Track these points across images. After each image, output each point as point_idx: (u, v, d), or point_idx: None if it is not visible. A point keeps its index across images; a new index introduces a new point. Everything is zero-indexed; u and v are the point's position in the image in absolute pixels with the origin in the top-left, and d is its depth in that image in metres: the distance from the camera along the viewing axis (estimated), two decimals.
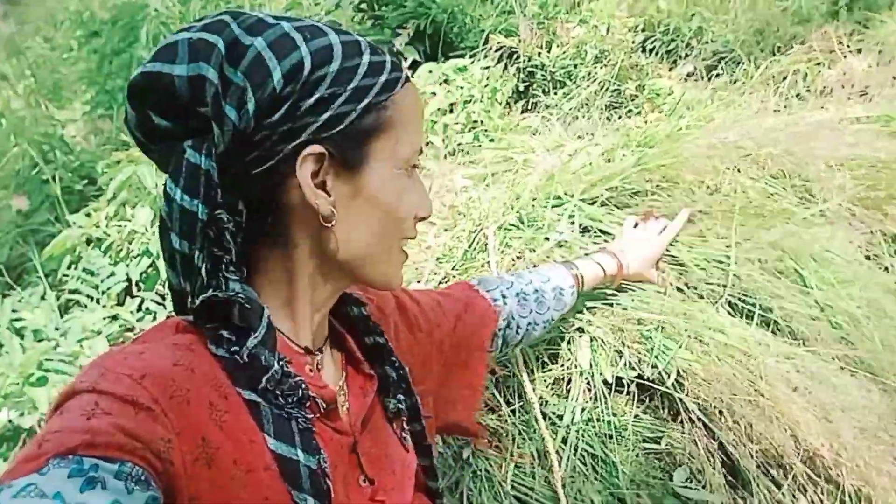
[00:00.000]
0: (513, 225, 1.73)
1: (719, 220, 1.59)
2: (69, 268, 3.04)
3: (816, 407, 1.33)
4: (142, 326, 2.98)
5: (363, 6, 4.37)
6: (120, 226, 3.28)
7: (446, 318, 1.08)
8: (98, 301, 3.04)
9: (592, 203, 1.67)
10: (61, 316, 2.84)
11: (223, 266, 0.67)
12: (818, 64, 3.07)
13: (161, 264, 3.07)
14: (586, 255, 1.46)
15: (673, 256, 1.55)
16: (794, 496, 1.30)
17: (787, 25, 3.46)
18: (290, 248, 0.73)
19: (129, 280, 3.16)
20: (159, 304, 3.09)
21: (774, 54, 3.32)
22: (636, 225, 1.57)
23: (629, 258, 1.44)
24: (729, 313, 1.46)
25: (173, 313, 0.73)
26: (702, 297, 1.52)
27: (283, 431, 0.69)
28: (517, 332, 1.24)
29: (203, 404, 0.65)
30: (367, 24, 4.26)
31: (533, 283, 1.26)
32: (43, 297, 2.95)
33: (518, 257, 1.68)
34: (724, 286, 1.45)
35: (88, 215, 3.18)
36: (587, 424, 1.47)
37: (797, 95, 2.85)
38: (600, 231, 1.68)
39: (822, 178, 1.67)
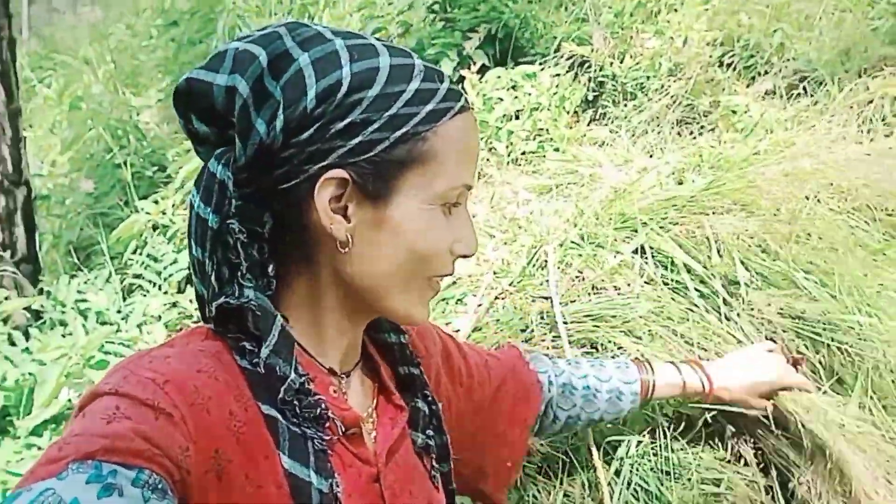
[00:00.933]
0: (574, 243, 1.68)
1: (793, 251, 1.50)
2: (134, 252, 3.12)
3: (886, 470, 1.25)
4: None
5: (436, 7, 4.35)
6: (185, 214, 3.35)
7: (490, 381, 1.05)
8: (160, 287, 3.11)
9: (661, 227, 1.60)
10: (124, 299, 2.91)
11: (239, 274, 0.67)
12: None
13: None
14: (673, 362, 1.30)
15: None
16: None
17: (876, 46, 3.29)
18: (313, 267, 0.73)
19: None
20: None
21: (860, 76, 3.16)
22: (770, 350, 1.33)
23: (727, 380, 1.25)
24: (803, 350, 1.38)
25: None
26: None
27: (299, 450, 0.68)
28: (554, 423, 1.19)
29: (223, 414, 0.64)
30: (437, 26, 4.25)
31: (587, 379, 1.19)
32: (108, 280, 3.02)
33: (577, 277, 1.63)
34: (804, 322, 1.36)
35: (156, 202, 3.25)
36: (643, 458, 1.41)
37: (884, 121, 2.71)
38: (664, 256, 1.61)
39: None
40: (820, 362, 1.33)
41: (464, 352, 1.03)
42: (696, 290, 1.49)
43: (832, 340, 1.33)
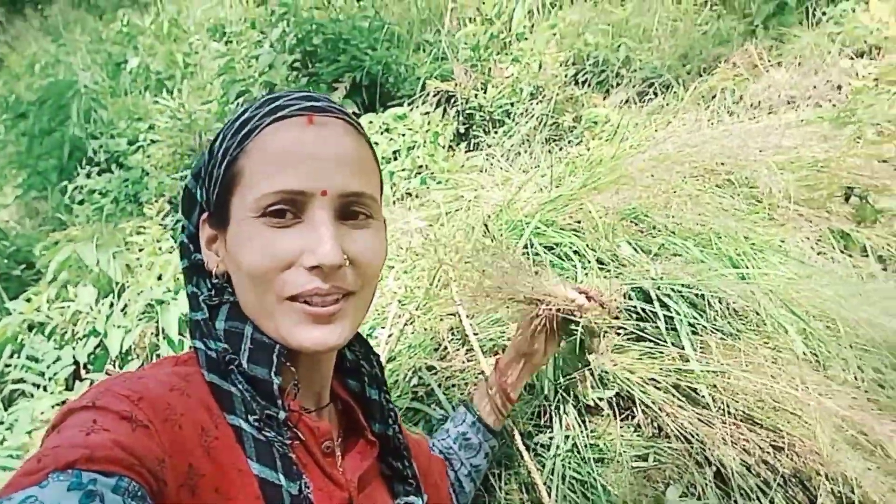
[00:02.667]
0: (469, 259, 1.71)
1: (668, 227, 1.60)
2: (11, 357, 2.90)
3: (786, 402, 1.33)
4: None
5: (297, 65, 4.39)
6: (63, 307, 3.15)
7: (421, 453, 1.08)
8: (45, 388, 2.90)
9: (545, 223, 1.66)
10: (6, 409, 2.70)
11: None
12: (744, 80, 3.19)
13: (109, 342, 2.95)
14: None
15: (619, 259, 1.55)
16: (778, 493, 1.29)
17: (709, 48, 3.60)
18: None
19: (76, 363, 3.03)
20: None
21: (701, 75, 3.44)
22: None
23: (503, 359, 1.27)
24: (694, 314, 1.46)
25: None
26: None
27: (265, 455, 0.69)
28: (462, 487, 1.21)
29: (195, 429, 0.65)
30: (302, 82, 4.28)
31: (450, 434, 1.23)
32: None
33: (479, 287, 1.65)
34: (686, 286, 1.44)
35: (29, 300, 3.05)
36: (571, 452, 1.43)
37: (728, 111, 2.95)
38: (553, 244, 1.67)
39: (765, 182, 1.71)
40: (714, 321, 1.41)
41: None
42: (585, 271, 1.55)
43: (719, 302, 1.41)
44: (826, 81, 3.01)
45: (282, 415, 0.71)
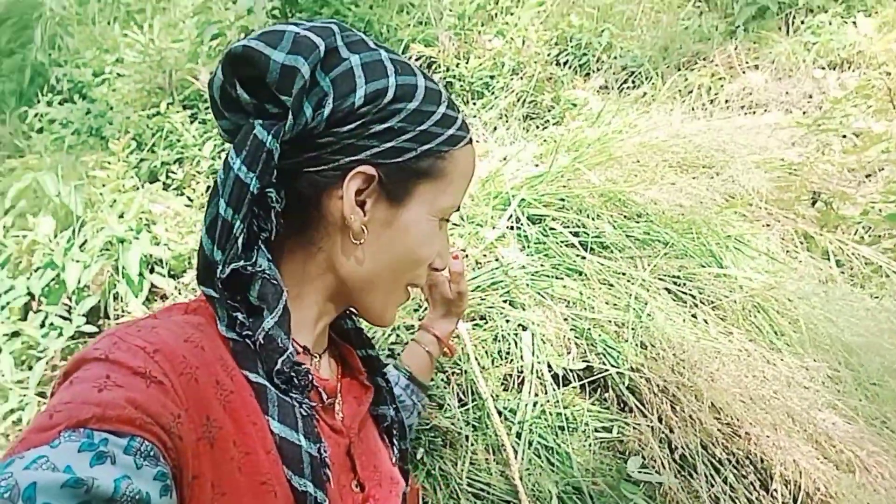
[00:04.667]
0: (455, 225, 1.74)
1: (650, 213, 1.65)
2: None
3: (745, 390, 1.41)
4: (47, 343, 2.79)
5: (276, 13, 4.30)
6: (19, 237, 3.07)
7: None
8: None
9: (533, 198, 1.70)
10: None
11: (260, 242, 0.71)
12: (720, 79, 3.27)
13: (66, 276, 2.89)
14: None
15: (601, 242, 1.60)
16: (733, 474, 1.37)
17: (689, 43, 3.67)
18: (311, 250, 0.76)
19: (30, 294, 2.97)
20: (65, 318, 2.92)
21: (679, 69, 3.51)
22: None
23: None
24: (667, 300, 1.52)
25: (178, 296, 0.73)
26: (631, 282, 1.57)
27: (287, 416, 0.69)
28: None
29: (210, 382, 0.65)
30: None
31: None
32: None
33: (463, 255, 1.69)
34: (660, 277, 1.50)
35: None
36: (540, 418, 1.49)
37: (703, 107, 3.03)
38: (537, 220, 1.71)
39: (742, 179, 1.78)
40: (689, 303, 1.48)
41: None
42: (568, 253, 1.60)
43: (694, 288, 1.48)
44: (798, 89, 3.12)
45: (308, 377, 0.72)
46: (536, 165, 2.15)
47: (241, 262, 0.68)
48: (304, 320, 0.79)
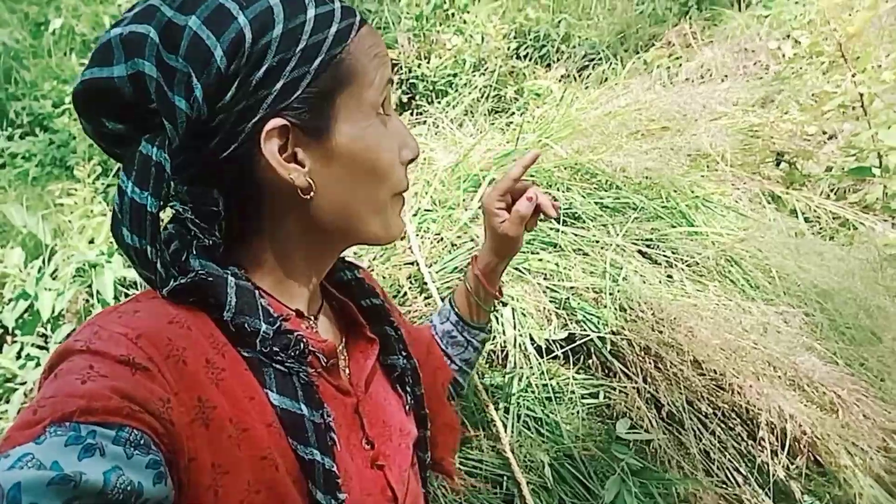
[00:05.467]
0: (428, 210, 1.74)
1: (618, 181, 1.67)
2: None
3: (725, 342, 1.43)
4: (24, 375, 2.75)
5: None
6: None
7: (420, 343, 1.04)
8: None
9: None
10: None
11: (191, 250, 0.66)
12: (678, 58, 3.32)
13: (40, 305, 2.85)
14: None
15: (573, 213, 1.61)
16: (720, 427, 1.38)
17: (645, 27, 3.72)
18: (272, 223, 0.71)
19: (3, 327, 2.92)
20: (42, 347, 2.87)
21: (637, 52, 3.56)
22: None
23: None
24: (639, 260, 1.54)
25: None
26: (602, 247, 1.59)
27: (286, 386, 0.67)
28: (460, 374, 1.18)
29: (199, 363, 0.62)
30: None
31: (437, 330, 1.17)
32: None
33: (437, 238, 1.69)
34: (635, 240, 1.52)
35: None
36: (526, 391, 1.49)
37: (663, 84, 3.07)
38: None
39: (705, 142, 1.81)
40: (663, 264, 1.49)
41: (397, 310, 1.03)
42: (542, 227, 1.61)
43: (666, 250, 1.49)
44: (755, 62, 3.17)
45: (300, 344, 0.69)
46: (509, 143, 2.16)
47: (173, 283, 0.64)
48: (295, 288, 0.76)
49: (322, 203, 0.69)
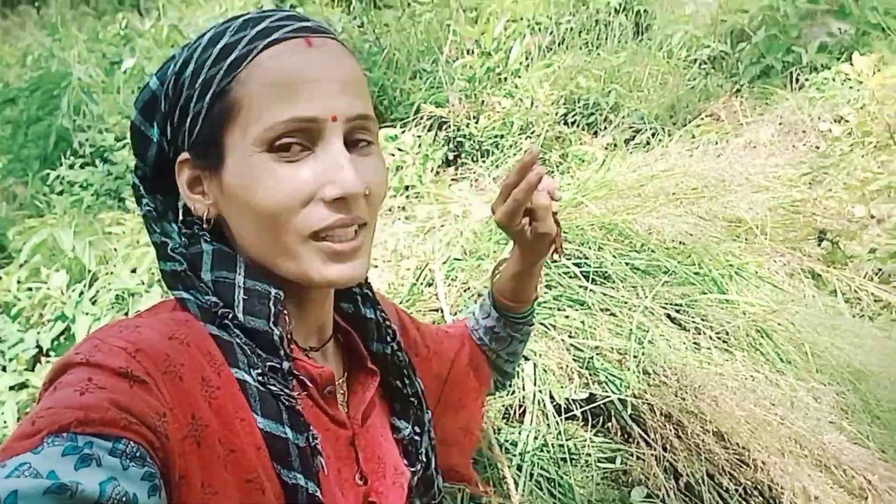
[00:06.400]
0: (458, 259, 1.75)
1: (651, 244, 1.65)
2: None
3: (751, 415, 1.37)
4: None
5: None
6: (32, 290, 3.11)
7: (445, 352, 1.04)
8: (4, 368, 2.85)
9: None
10: None
11: (195, 228, 0.72)
12: (726, 133, 3.32)
13: (76, 328, 2.92)
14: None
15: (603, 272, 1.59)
16: (741, 503, 1.32)
17: (695, 101, 3.74)
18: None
19: (39, 347, 2.98)
20: None
21: (685, 125, 3.57)
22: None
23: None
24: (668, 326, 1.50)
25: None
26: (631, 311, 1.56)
27: (270, 408, 0.67)
28: (498, 375, 1.15)
29: (195, 380, 0.63)
30: None
31: (479, 325, 1.12)
32: None
33: (463, 287, 1.69)
34: (664, 304, 1.49)
35: None
36: (542, 450, 1.45)
37: (705, 153, 3.06)
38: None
39: (745, 212, 1.78)
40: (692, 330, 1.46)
41: (417, 324, 1.01)
42: (570, 284, 1.59)
43: (702, 320, 1.46)
44: (804, 142, 3.15)
45: (286, 365, 0.68)
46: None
47: (181, 250, 0.70)
48: (296, 318, 0.75)
49: (237, 236, 0.71)
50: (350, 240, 0.68)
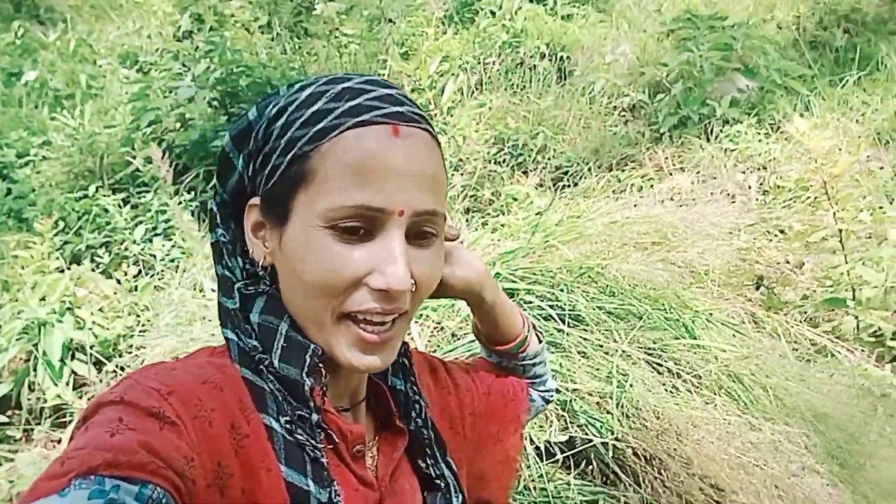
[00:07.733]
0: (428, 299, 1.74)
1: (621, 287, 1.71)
2: None
3: (728, 455, 1.43)
4: None
5: (215, 103, 4.33)
6: None
7: (477, 386, 1.01)
8: None
9: (508, 272, 1.73)
10: None
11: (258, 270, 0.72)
12: (650, 179, 3.50)
13: None
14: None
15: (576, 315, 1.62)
16: None
17: (618, 147, 3.92)
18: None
19: None
20: None
21: (611, 169, 3.74)
22: None
23: None
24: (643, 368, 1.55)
25: None
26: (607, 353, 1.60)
27: (295, 459, 0.65)
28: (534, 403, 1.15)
29: (225, 426, 0.62)
30: (221, 121, 4.22)
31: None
32: None
33: (437, 327, 1.68)
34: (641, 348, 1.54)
35: None
36: (522, 493, 1.45)
37: (635, 205, 3.21)
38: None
39: (699, 261, 1.88)
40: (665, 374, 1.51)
41: (446, 364, 0.99)
42: (546, 326, 1.61)
43: (669, 360, 1.51)
44: (722, 190, 3.36)
45: (315, 417, 0.67)
46: (493, 245, 2.20)
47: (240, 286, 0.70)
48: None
49: (284, 290, 0.70)
50: (385, 330, 0.67)
